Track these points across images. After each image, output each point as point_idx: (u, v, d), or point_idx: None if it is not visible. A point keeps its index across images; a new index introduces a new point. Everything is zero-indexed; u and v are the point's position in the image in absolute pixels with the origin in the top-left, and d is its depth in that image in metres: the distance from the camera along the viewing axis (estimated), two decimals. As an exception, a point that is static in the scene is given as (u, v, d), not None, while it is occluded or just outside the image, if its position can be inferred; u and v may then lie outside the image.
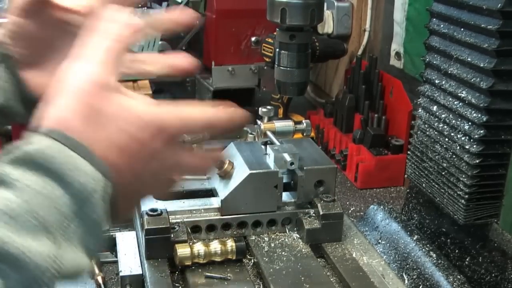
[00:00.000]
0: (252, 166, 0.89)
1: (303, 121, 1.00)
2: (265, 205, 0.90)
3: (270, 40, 1.69)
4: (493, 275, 0.94)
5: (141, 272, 0.85)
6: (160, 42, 1.72)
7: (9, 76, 0.69)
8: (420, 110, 1.06)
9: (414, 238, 1.04)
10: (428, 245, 1.02)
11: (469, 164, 0.92)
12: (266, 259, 0.86)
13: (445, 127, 0.98)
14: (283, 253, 0.87)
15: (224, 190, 0.89)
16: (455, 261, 1.02)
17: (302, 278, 0.82)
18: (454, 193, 0.96)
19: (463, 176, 0.94)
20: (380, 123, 1.55)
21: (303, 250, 0.89)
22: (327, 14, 1.84)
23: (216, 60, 1.86)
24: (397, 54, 1.61)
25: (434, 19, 1.01)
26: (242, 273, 0.84)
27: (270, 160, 0.91)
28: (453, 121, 0.96)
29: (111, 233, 1.00)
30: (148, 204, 0.89)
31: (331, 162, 0.97)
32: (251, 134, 1.07)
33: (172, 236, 0.84)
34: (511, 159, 0.93)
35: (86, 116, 0.53)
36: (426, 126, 1.03)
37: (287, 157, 0.89)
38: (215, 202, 0.90)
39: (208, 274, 0.83)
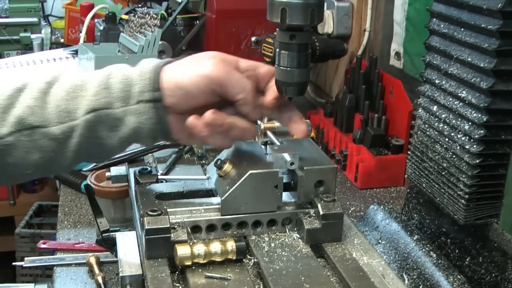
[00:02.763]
0: (252, 166, 0.89)
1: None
2: (265, 205, 0.90)
3: (270, 40, 1.70)
4: (493, 275, 0.94)
5: (141, 272, 0.85)
6: (160, 42, 1.72)
7: (156, 116, 0.82)
8: (420, 110, 1.06)
9: (414, 238, 1.04)
10: (428, 245, 1.02)
11: (469, 164, 0.92)
12: (266, 259, 0.86)
13: (445, 127, 0.98)
14: (283, 253, 0.87)
15: (224, 190, 0.89)
16: (455, 261, 1.02)
17: (302, 278, 0.82)
18: (454, 193, 0.96)
19: (463, 176, 0.94)
20: (380, 123, 1.55)
21: (303, 250, 0.89)
22: (327, 14, 1.84)
23: (216, 60, 1.86)
24: (397, 54, 1.61)
25: (434, 19, 1.01)
26: (242, 273, 0.84)
27: (270, 160, 0.91)
28: (453, 121, 0.96)
29: (111, 233, 1.00)
30: (148, 204, 0.89)
31: (331, 162, 0.97)
32: (251, 134, 1.07)
33: (172, 236, 0.84)
34: (511, 159, 0.93)
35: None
36: (426, 126, 1.03)
37: (287, 157, 0.89)
38: (215, 202, 0.90)
39: (208, 274, 0.83)
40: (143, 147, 1.11)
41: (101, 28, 2.07)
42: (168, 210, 0.86)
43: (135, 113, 0.82)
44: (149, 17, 1.87)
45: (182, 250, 0.83)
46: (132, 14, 1.93)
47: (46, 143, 0.83)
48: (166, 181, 1.00)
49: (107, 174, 1.14)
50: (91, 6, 2.31)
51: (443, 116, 0.98)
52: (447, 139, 0.97)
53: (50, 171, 0.90)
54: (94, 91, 0.82)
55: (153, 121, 0.83)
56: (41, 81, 0.84)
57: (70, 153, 0.84)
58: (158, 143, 1.10)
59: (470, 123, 0.92)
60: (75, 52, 1.98)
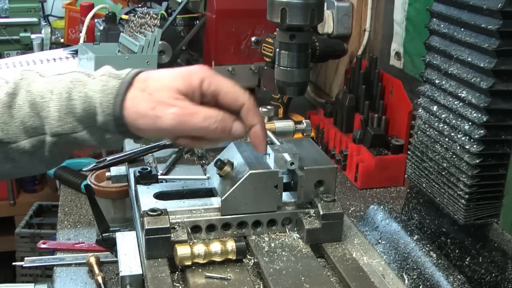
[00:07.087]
0: (252, 166, 0.89)
1: (303, 121, 1.00)
2: (265, 205, 0.90)
3: (270, 40, 1.70)
4: (493, 275, 0.94)
5: (141, 272, 0.84)
6: (160, 42, 1.71)
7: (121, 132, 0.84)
8: (420, 110, 1.06)
9: (414, 238, 1.04)
10: (428, 245, 1.02)
11: (469, 164, 0.92)
12: (266, 259, 0.86)
13: (445, 127, 0.98)
14: (283, 253, 0.87)
15: (224, 190, 0.89)
16: (455, 261, 1.02)
17: (302, 278, 0.82)
18: (454, 193, 0.96)
19: (463, 176, 0.94)
20: (380, 123, 1.55)
21: (303, 250, 0.89)
22: (327, 14, 1.84)
23: (216, 60, 1.86)
24: (397, 54, 1.61)
25: (434, 19, 1.01)
26: (242, 273, 0.84)
27: (270, 160, 0.91)
28: (453, 121, 0.96)
29: (111, 233, 1.00)
30: (148, 204, 0.89)
31: (331, 162, 0.97)
32: (251, 134, 1.06)
33: (172, 236, 0.84)
34: (511, 159, 0.93)
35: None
36: (426, 126, 1.03)
37: (287, 157, 0.89)
38: (215, 202, 0.90)
39: (208, 274, 0.83)
40: (143, 147, 1.11)
41: (101, 28, 2.07)
42: (168, 210, 0.86)
43: (101, 130, 0.83)
44: (149, 17, 1.87)
45: (182, 250, 0.83)
46: (132, 14, 1.93)
47: (17, 156, 0.85)
48: (166, 181, 1.00)
49: (107, 174, 1.14)
50: (91, 6, 2.31)
51: (443, 116, 0.98)
52: (447, 139, 0.97)
53: (26, 175, 0.92)
54: (57, 117, 0.82)
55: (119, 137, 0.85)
56: (2, 91, 0.83)
57: (43, 161, 0.86)
58: (158, 143, 1.10)
59: (470, 123, 0.92)
60: (75, 52, 1.98)
